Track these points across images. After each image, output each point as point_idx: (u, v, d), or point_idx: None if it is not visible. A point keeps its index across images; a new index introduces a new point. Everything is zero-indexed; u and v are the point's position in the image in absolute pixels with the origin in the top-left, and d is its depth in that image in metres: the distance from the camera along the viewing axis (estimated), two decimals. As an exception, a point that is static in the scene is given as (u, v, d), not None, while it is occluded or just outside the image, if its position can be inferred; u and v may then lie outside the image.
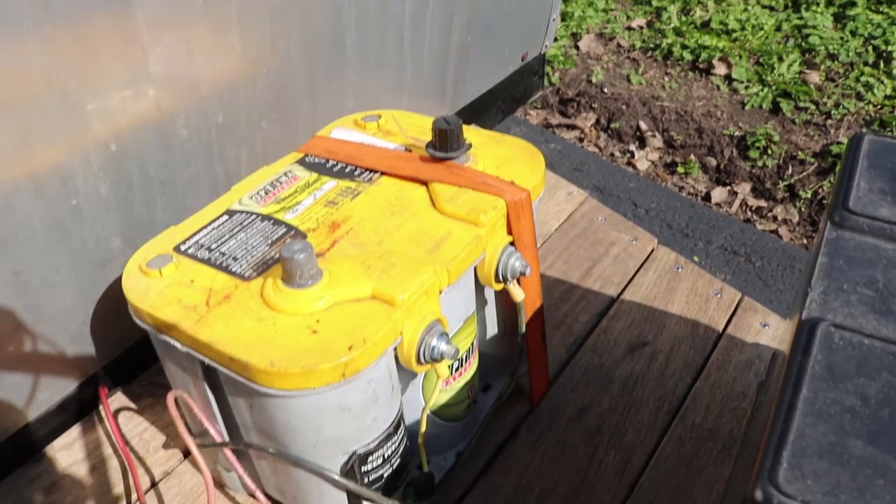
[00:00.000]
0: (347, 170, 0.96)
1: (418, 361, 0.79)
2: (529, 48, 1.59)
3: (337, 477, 0.80)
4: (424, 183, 0.92)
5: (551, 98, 2.62)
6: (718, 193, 2.27)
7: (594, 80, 2.55)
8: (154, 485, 1.01)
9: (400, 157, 0.95)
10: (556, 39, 2.74)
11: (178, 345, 0.78)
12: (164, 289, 0.81)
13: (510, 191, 0.88)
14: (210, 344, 0.74)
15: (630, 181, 2.33)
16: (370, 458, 0.82)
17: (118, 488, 1.00)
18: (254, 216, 0.89)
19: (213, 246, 0.86)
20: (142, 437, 1.06)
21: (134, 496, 0.99)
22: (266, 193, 0.93)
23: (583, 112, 2.56)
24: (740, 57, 2.44)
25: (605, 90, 2.55)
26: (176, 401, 0.87)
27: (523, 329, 0.97)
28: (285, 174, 0.96)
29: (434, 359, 0.80)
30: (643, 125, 2.46)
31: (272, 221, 0.88)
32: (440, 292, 0.81)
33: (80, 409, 1.08)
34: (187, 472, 1.02)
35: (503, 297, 0.99)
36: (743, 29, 2.53)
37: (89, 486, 1.00)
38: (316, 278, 0.77)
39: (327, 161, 0.98)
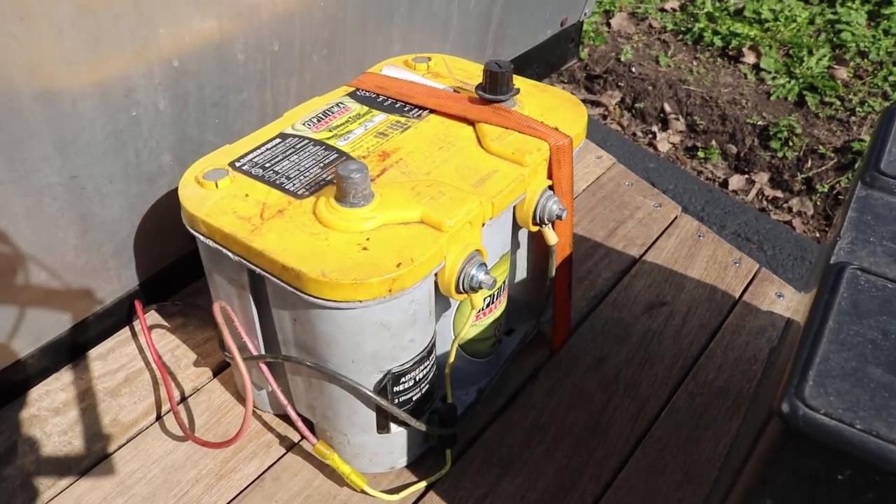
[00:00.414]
0: (397, 105, 1.01)
1: (457, 289, 0.84)
2: (569, 14, 1.63)
3: (371, 393, 0.86)
4: (472, 123, 0.96)
5: (578, 73, 2.66)
6: (736, 181, 2.31)
7: (623, 58, 2.59)
8: (184, 399, 1.06)
9: (449, 97, 1.00)
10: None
11: (230, 254, 0.83)
12: (219, 200, 0.86)
13: (554, 136, 0.93)
14: (264, 252, 0.79)
15: (650, 161, 2.38)
16: (402, 380, 0.87)
17: (149, 399, 1.05)
18: (306, 140, 0.94)
19: (267, 165, 0.90)
20: (173, 353, 1.12)
21: (165, 407, 1.05)
22: (318, 121, 0.98)
23: (609, 90, 2.60)
24: (770, 47, 2.48)
25: (633, 69, 2.59)
26: (221, 312, 0.92)
27: (553, 273, 1.02)
28: (337, 105, 1.01)
29: (472, 288, 0.85)
30: (667, 107, 2.50)
31: (324, 146, 0.93)
32: (483, 224, 0.86)
33: (117, 322, 1.13)
34: (216, 390, 1.08)
35: (535, 243, 1.05)
36: (776, 19, 2.57)
37: (122, 395, 1.05)
38: (368, 199, 0.81)
39: (378, 96, 1.02)
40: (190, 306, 1.16)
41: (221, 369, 1.09)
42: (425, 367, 0.89)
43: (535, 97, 1.02)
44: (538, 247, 1.04)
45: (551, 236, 0.97)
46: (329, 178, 0.88)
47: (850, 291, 0.63)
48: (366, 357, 0.83)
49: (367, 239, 0.79)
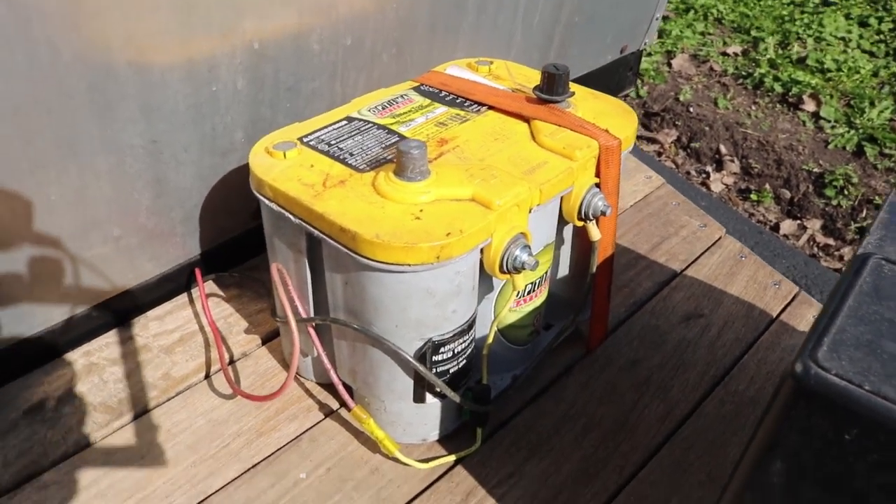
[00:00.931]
0: (458, 101, 1.08)
1: (501, 268, 0.91)
2: (630, 41, 1.71)
3: (411, 358, 0.92)
4: (527, 120, 1.04)
5: (637, 110, 2.72)
6: (788, 225, 2.33)
7: (682, 98, 2.65)
8: (232, 362, 1.14)
9: (507, 96, 1.07)
10: (649, 54, 2.85)
11: (291, 217, 0.91)
12: (286, 168, 0.94)
13: (604, 136, 0.99)
14: (323, 215, 0.86)
15: (702, 200, 2.41)
16: (442, 349, 0.93)
17: (201, 359, 1.13)
18: (371, 124, 1.02)
19: (333, 142, 0.99)
20: (226, 320, 1.20)
21: (214, 367, 1.12)
22: (383, 108, 1.06)
23: (665, 128, 2.66)
24: (831, 96, 2.51)
25: (691, 109, 2.64)
26: (278, 274, 1.00)
27: (594, 269, 1.07)
28: (401, 96, 1.09)
29: (515, 268, 0.91)
30: (723, 148, 2.54)
31: (387, 130, 1.01)
32: (530, 210, 0.93)
33: (177, 287, 1.22)
34: (264, 356, 1.15)
35: (579, 241, 1.11)
36: (839, 70, 2.61)
37: (176, 353, 1.13)
38: (424, 175, 0.89)
39: (440, 91, 1.11)
40: (246, 278, 1.25)
41: (270, 338, 1.17)
42: (465, 341, 0.95)
43: (589, 102, 1.08)
44: (581, 244, 1.10)
45: (595, 232, 1.03)
46: (389, 157, 0.95)
47: (872, 277, 0.68)
48: (409, 323, 0.90)
49: (421, 210, 0.87)
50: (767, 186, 2.42)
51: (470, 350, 0.98)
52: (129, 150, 1.01)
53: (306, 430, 1.04)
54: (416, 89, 1.11)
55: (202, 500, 0.96)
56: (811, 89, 2.54)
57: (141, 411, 1.05)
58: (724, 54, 2.82)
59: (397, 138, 0.99)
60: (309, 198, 0.89)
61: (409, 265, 0.84)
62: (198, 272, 1.20)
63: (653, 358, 1.15)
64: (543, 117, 1.02)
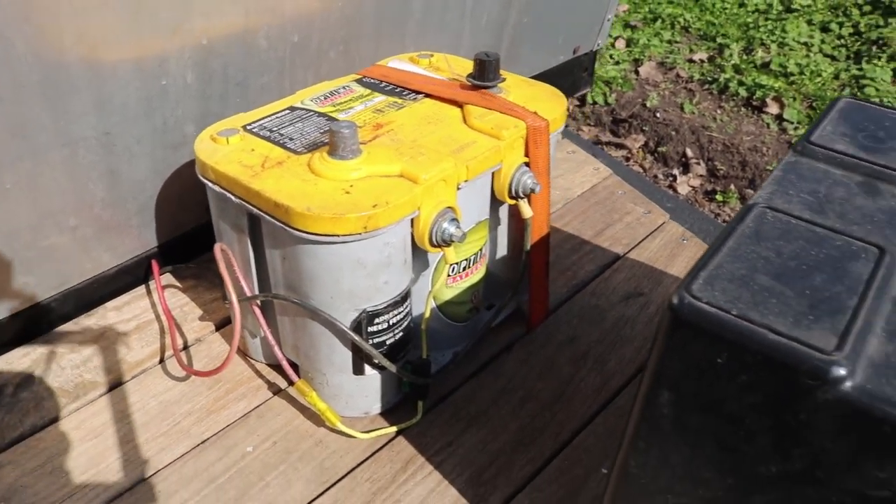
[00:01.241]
0: (397, 90, 1.15)
1: (431, 241, 0.97)
2: (582, 43, 1.78)
3: (346, 329, 0.97)
4: (460, 105, 1.10)
5: (605, 117, 2.80)
6: (755, 225, 2.39)
7: (649, 104, 2.72)
8: (186, 347, 1.19)
9: (443, 84, 1.14)
10: (617, 62, 2.93)
11: (232, 196, 0.97)
12: (228, 152, 1.00)
13: (532, 118, 1.06)
14: (260, 192, 0.92)
15: (668, 201, 2.47)
16: (377, 320, 0.99)
17: (155, 345, 1.18)
18: (312, 112, 1.09)
19: (275, 129, 1.05)
20: (182, 309, 1.25)
21: (169, 352, 1.17)
22: (325, 98, 1.12)
23: (633, 133, 2.73)
24: (794, 99, 2.58)
25: (658, 115, 2.72)
26: (221, 254, 1.06)
27: (528, 247, 1.13)
28: (343, 87, 1.16)
29: (444, 241, 0.97)
30: (689, 152, 2.61)
31: (326, 117, 1.07)
32: (458, 186, 0.99)
33: (135, 279, 1.27)
34: (216, 341, 1.20)
35: (515, 221, 1.16)
36: (801, 73, 2.68)
37: (131, 339, 1.19)
38: (356, 153, 0.95)
39: (381, 82, 1.17)
40: (203, 269, 1.30)
41: (223, 325, 1.22)
42: (399, 313, 1.00)
43: (522, 88, 1.15)
44: (517, 224, 1.15)
45: (526, 210, 1.09)
46: (326, 140, 1.01)
47: (755, 222, 0.74)
48: (343, 294, 0.95)
49: (351, 186, 0.93)
50: (733, 187, 2.49)
51: (406, 322, 1.03)
52: (83, 141, 1.07)
53: (255, 408, 1.09)
54: (359, 81, 1.18)
55: (153, 474, 1.01)
56: (775, 92, 2.61)
57: (97, 395, 1.10)
58: (691, 61, 2.90)
59: (335, 124, 1.05)
60: (247, 178, 0.95)
61: (339, 235, 0.89)
62: (154, 264, 1.25)
63: (591, 334, 1.20)
64: (475, 101, 1.08)
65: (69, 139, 1.06)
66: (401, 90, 1.14)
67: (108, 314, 1.23)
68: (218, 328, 1.22)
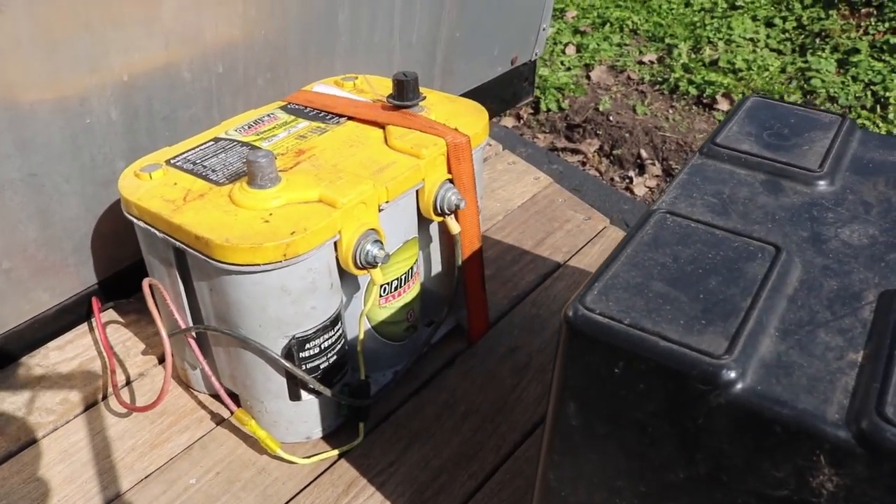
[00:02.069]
0: (320, 115, 1.15)
1: (355, 264, 0.97)
2: (519, 53, 1.79)
3: (277, 356, 0.97)
4: (382, 126, 1.10)
5: (559, 123, 2.81)
6: (711, 221, 2.41)
7: (601, 108, 2.73)
8: (129, 382, 1.18)
9: (365, 106, 1.14)
10: (568, 69, 2.94)
11: (156, 232, 0.97)
12: (151, 188, 1.00)
13: (452, 134, 1.06)
14: (181, 226, 0.92)
15: (625, 203, 2.48)
16: (307, 346, 0.98)
17: (98, 382, 1.17)
18: (235, 142, 1.09)
19: (198, 161, 1.05)
20: (124, 344, 1.24)
21: (110, 390, 1.16)
22: (249, 127, 1.12)
23: (588, 138, 2.75)
24: (743, 94, 2.61)
25: (611, 118, 2.73)
26: (151, 289, 1.05)
27: (459, 262, 1.13)
28: (268, 115, 1.15)
29: (368, 262, 0.97)
30: (644, 153, 2.63)
31: (250, 147, 1.07)
32: (379, 207, 0.99)
33: (76, 317, 1.26)
34: (159, 374, 1.20)
35: (445, 238, 1.16)
36: (749, 69, 2.71)
37: (74, 378, 1.18)
38: (274, 182, 0.95)
39: (305, 107, 1.17)
40: (144, 304, 1.29)
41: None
42: (330, 337, 1.00)
43: (444, 105, 1.15)
44: (447, 240, 1.15)
45: (454, 226, 1.09)
46: (246, 168, 1.01)
47: (654, 228, 0.74)
48: (271, 322, 0.95)
49: (271, 214, 0.93)
50: (687, 185, 2.50)
51: (339, 346, 1.03)
52: (9, 184, 1.07)
53: (197, 440, 1.09)
54: (283, 108, 1.18)
55: (95, 513, 1.00)
56: (724, 89, 2.64)
57: (40, 436, 1.09)
58: (641, 63, 2.92)
59: (258, 152, 1.05)
60: (169, 212, 0.95)
61: (259, 265, 0.89)
62: (95, 301, 1.24)
63: (532, 344, 1.21)
64: (395, 122, 1.08)
65: (-6, 183, 1.05)
66: (324, 114, 1.15)
67: (51, 354, 1.22)
68: (160, 361, 1.22)
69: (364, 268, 0.98)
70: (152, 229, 0.97)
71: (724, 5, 3.11)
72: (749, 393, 0.58)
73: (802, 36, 2.89)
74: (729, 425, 0.60)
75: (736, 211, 0.79)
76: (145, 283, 1.03)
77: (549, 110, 2.79)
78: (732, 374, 0.58)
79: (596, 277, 0.68)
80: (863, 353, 0.61)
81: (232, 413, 1.07)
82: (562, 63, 2.97)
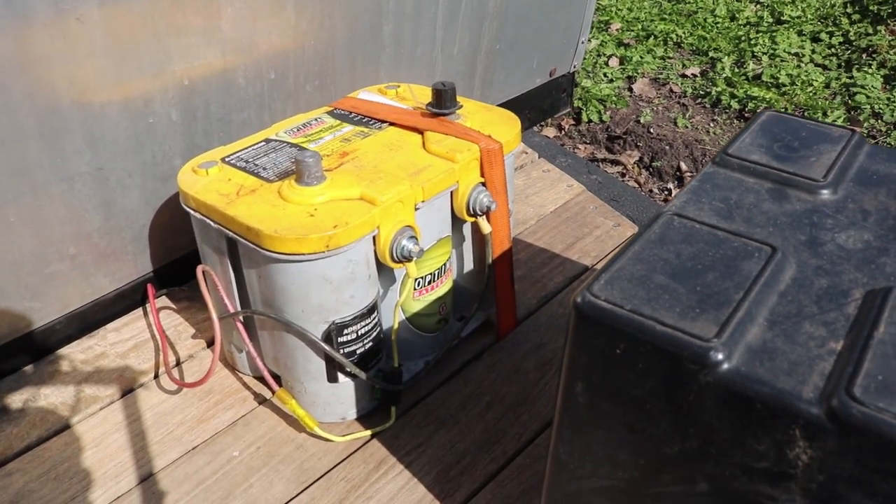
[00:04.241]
0: (364, 120, 1.26)
1: (391, 257, 1.07)
2: (558, 65, 1.89)
3: (318, 340, 1.08)
4: (421, 132, 1.21)
5: (600, 135, 2.90)
6: (749, 235, 2.46)
7: (642, 120, 2.81)
8: (179, 363, 1.30)
9: (405, 113, 1.25)
10: (611, 80, 3.03)
11: (211, 222, 1.09)
12: (207, 182, 1.12)
13: (485, 141, 1.16)
14: (234, 218, 1.04)
15: (663, 215, 2.57)
16: (346, 331, 1.09)
17: (151, 362, 1.30)
18: (285, 143, 1.20)
19: (250, 160, 1.17)
20: (176, 329, 1.37)
21: (162, 369, 1.29)
22: (297, 130, 1.24)
23: (628, 150, 2.83)
24: (786, 109, 2.66)
25: (652, 131, 2.81)
26: (203, 275, 1.17)
27: (489, 261, 1.23)
28: (315, 119, 1.27)
29: (404, 256, 1.07)
30: (683, 166, 2.70)
31: (298, 148, 1.19)
32: (416, 206, 1.09)
33: (132, 302, 1.39)
34: (207, 357, 1.32)
35: (477, 238, 1.26)
36: (793, 84, 2.77)
37: (129, 358, 1.30)
38: (320, 180, 1.06)
39: (350, 113, 1.29)
40: (195, 292, 1.42)
41: (214, 341, 1.33)
42: (367, 324, 1.11)
43: (479, 114, 1.26)
44: (479, 239, 1.25)
45: (485, 226, 1.19)
46: (294, 167, 1.13)
47: (661, 228, 0.83)
48: (312, 308, 1.06)
49: (315, 209, 1.04)
50: (726, 198, 2.56)
51: (375, 333, 1.14)
52: (78, 176, 1.20)
53: (241, 417, 1.20)
54: (330, 113, 1.29)
55: (147, 478, 1.12)
56: (766, 103, 2.69)
57: (97, 409, 1.22)
58: (683, 76, 2.99)
59: (305, 153, 1.17)
60: (223, 205, 1.06)
61: (304, 254, 1.01)
62: (150, 288, 1.37)
63: (558, 341, 1.30)
64: (433, 128, 1.19)
65: (66, 175, 1.18)
66: (368, 120, 1.26)
67: (108, 335, 1.35)
68: (209, 345, 1.33)
69: (400, 261, 1.08)
70: (208, 220, 1.09)
71: (770, 20, 3.17)
72: (734, 373, 0.67)
73: (849, 51, 2.93)
74: (716, 402, 0.69)
75: (740, 215, 0.87)
76: (199, 269, 1.15)
77: (590, 121, 2.88)
78: (720, 356, 0.67)
79: (604, 269, 0.78)
80: (842, 342, 0.70)
81: (273, 393, 1.18)
82: (604, 75, 3.05)
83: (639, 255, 0.80)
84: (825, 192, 0.91)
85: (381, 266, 1.10)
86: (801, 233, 0.84)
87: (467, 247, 1.28)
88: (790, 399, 0.65)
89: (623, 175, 2.79)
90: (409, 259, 1.08)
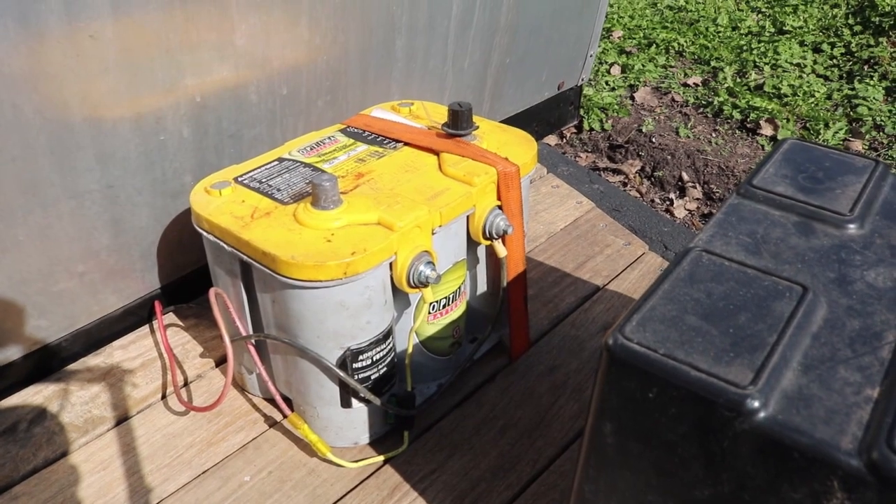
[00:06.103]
0: (378, 139, 1.25)
1: (408, 283, 1.06)
2: (566, 78, 1.87)
3: (332, 366, 1.06)
4: (437, 153, 1.19)
5: (602, 143, 2.89)
6: (750, 246, 2.46)
7: (644, 129, 2.81)
8: (187, 383, 1.29)
9: (420, 132, 1.23)
10: (613, 89, 3.02)
11: (225, 245, 1.07)
12: (221, 204, 1.10)
13: (503, 163, 1.15)
14: (249, 242, 1.02)
15: (665, 226, 2.55)
16: (360, 357, 1.08)
17: (158, 381, 1.28)
18: (298, 163, 1.19)
19: (264, 180, 1.15)
20: (184, 347, 1.35)
21: (171, 388, 1.27)
22: (311, 149, 1.22)
23: (630, 159, 2.82)
24: (788, 120, 2.66)
25: (654, 140, 2.80)
26: (215, 297, 1.15)
27: (504, 284, 1.22)
28: (328, 137, 1.25)
29: (421, 282, 1.06)
30: (685, 176, 2.69)
31: (312, 168, 1.17)
32: (433, 231, 1.08)
33: (139, 319, 1.38)
34: (216, 377, 1.30)
35: (492, 260, 1.25)
36: (794, 94, 2.76)
37: (137, 376, 1.28)
38: (337, 204, 1.04)
39: (364, 131, 1.27)
40: (203, 309, 1.40)
41: (223, 361, 1.32)
42: (382, 350, 1.09)
43: (496, 135, 1.24)
44: (495, 264, 1.24)
45: (500, 249, 1.18)
46: (311, 190, 1.11)
47: (690, 266, 0.82)
48: (328, 334, 1.05)
49: (332, 234, 1.02)
50: (728, 210, 2.56)
51: (390, 358, 1.12)
52: (88, 194, 1.18)
53: (252, 440, 1.18)
54: (343, 131, 1.27)
55: (157, 503, 1.10)
56: (768, 114, 2.69)
57: (104, 430, 1.20)
58: (685, 85, 2.99)
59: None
60: (238, 228, 1.05)
61: (321, 281, 0.99)
62: (157, 304, 1.35)
63: (571, 364, 1.29)
64: (449, 150, 1.17)
65: (75, 192, 1.16)
66: (382, 139, 1.24)
67: (115, 353, 1.33)
68: (218, 364, 1.32)
69: (416, 287, 1.07)
70: (221, 243, 1.08)
71: (772, 30, 3.17)
72: (771, 421, 0.66)
73: (850, 63, 2.93)
74: (752, 450, 0.68)
75: (768, 251, 0.86)
76: (212, 292, 1.13)
77: (591, 130, 2.87)
78: (756, 404, 0.66)
79: (635, 309, 0.76)
80: (879, 389, 0.69)
81: (285, 416, 1.16)
82: (606, 83, 3.05)
83: (669, 294, 0.78)
84: (852, 226, 0.90)
85: (396, 290, 1.09)
86: (829, 270, 0.83)
87: (481, 269, 1.26)
88: (829, 449, 0.64)
89: (625, 185, 2.78)
90: (425, 285, 1.06)
